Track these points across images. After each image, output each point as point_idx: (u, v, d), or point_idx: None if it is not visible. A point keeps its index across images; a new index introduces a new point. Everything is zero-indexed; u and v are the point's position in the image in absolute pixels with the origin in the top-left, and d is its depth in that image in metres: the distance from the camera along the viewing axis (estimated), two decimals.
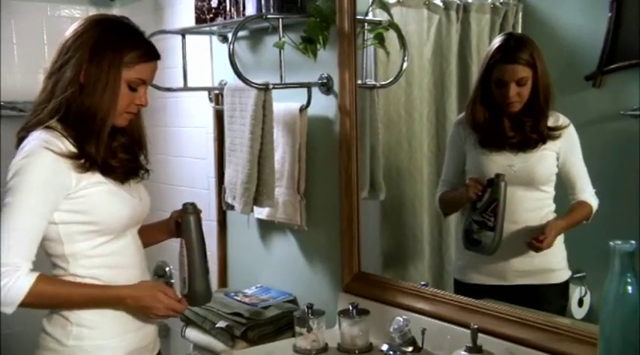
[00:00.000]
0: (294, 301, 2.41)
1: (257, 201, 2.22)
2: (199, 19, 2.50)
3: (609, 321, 1.24)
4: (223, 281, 2.78)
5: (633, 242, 1.21)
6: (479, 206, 1.86)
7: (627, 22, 1.63)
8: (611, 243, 1.21)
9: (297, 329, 1.93)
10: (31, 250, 1.54)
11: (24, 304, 1.52)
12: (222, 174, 2.47)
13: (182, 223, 1.76)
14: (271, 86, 2.16)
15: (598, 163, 1.71)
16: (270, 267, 2.54)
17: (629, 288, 1.21)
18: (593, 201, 1.72)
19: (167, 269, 3.00)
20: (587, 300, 1.76)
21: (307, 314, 1.92)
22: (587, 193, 1.73)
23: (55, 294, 1.57)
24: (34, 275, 1.52)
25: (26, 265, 1.52)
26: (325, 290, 2.27)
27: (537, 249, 1.79)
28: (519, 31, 1.89)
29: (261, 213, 2.40)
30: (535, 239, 1.78)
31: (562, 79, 1.78)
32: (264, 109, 2.16)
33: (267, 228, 2.52)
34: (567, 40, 1.79)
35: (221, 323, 2.30)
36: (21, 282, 1.50)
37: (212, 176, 2.77)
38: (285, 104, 2.26)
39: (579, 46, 1.76)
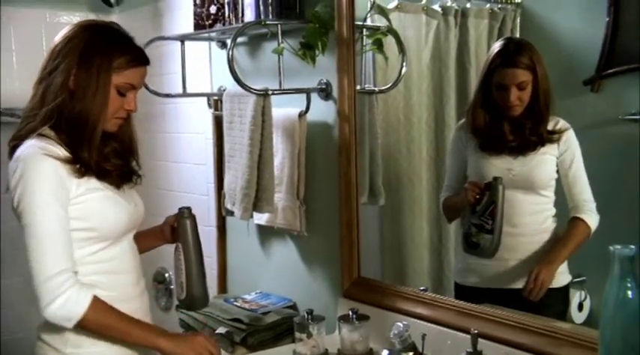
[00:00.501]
0: (293, 307, 2.40)
1: (256, 206, 2.22)
2: (198, 26, 2.51)
3: (609, 326, 1.24)
4: (223, 287, 2.77)
5: (633, 246, 1.21)
6: (477, 209, 1.86)
7: (625, 26, 1.63)
8: (611, 248, 1.21)
9: (297, 334, 1.92)
10: (72, 254, 1.55)
11: (83, 321, 1.52)
12: (222, 179, 2.47)
13: (178, 228, 1.76)
14: (270, 92, 2.16)
15: (597, 168, 1.71)
16: (269, 273, 2.54)
17: (629, 293, 1.20)
18: (591, 220, 1.71)
19: (166, 275, 3.04)
20: (587, 305, 1.76)
21: (307, 320, 1.92)
22: (584, 208, 1.73)
23: (111, 315, 1.57)
24: (90, 290, 1.55)
25: (77, 270, 1.55)
26: (325, 295, 2.27)
27: (534, 295, 1.78)
28: (518, 36, 1.90)
29: (261, 218, 2.40)
30: (530, 286, 1.77)
31: (560, 84, 1.78)
32: (263, 115, 2.16)
33: (266, 233, 2.52)
34: (565, 44, 1.79)
35: (221, 329, 2.30)
36: (84, 294, 1.52)
37: (211, 182, 2.76)
38: (284, 110, 2.26)
39: (577, 51, 1.76)
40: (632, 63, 1.62)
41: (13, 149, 1.59)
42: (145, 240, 1.82)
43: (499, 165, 1.85)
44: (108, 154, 1.67)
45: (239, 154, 2.26)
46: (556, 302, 1.81)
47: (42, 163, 1.53)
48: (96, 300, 1.54)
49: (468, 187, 1.89)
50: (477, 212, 1.86)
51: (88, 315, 1.52)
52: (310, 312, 1.93)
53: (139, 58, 1.64)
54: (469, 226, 1.89)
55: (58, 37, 1.63)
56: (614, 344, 1.23)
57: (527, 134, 1.80)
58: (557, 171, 1.79)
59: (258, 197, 2.20)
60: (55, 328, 1.60)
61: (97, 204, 1.61)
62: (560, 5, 1.80)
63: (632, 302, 1.20)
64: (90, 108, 1.58)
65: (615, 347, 1.23)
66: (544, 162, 1.80)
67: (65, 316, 1.51)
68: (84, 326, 1.55)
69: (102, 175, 1.62)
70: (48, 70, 1.60)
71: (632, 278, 1.21)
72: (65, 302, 1.50)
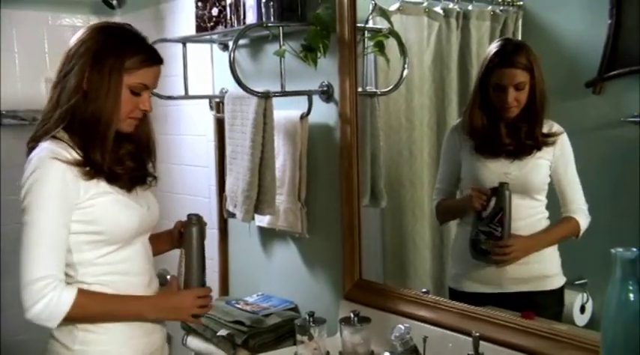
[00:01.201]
0: (295, 309, 2.40)
1: (258, 209, 2.22)
2: (200, 28, 2.51)
3: (611, 328, 1.24)
4: (224, 289, 2.78)
5: (635, 249, 1.21)
6: (484, 216, 1.84)
7: (627, 28, 1.63)
8: (613, 251, 1.21)
9: (299, 337, 1.92)
10: (62, 261, 1.56)
11: (67, 317, 1.54)
12: (223, 182, 2.48)
13: (184, 234, 1.76)
14: (272, 94, 2.16)
15: (599, 170, 1.71)
16: (271, 275, 2.54)
17: (631, 295, 1.20)
18: (582, 219, 1.72)
19: (168, 277, 3.02)
20: (589, 307, 1.76)
21: (308, 322, 1.91)
22: (577, 209, 1.74)
23: (95, 305, 1.59)
24: (75, 288, 1.56)
25: (62, 276, 1.55)
26: (326, 297, 2.27)
27: (498, 262, 1.79)
28: (519, 38, 1.89)
29: (262, 220, 2.40)
30: (498, 249, 1.78)
31: (562, 86, 1.78)
32: (264, 117, 2.16)
33: (268, 235, 2.52)
34: (567, 46, 1.79)
35: (222, 332, 2.30)
36: (65, 296, 1.53)
37: (213, 184, 2.77)
38: (285, 112, 2.26)
39: (579, 53, 1.76)
40: (634, 65, 1.62)
41: (30, 150, 1.62)
42: (154, 244, 1.82)
43: (495, 169, 1.84)
44: (122, 156, 1.68)
45: (241, 156, 2.26)
46: (552, 305, 1.81)
47: (49, 167, 1.54)
48: (79, 296, 1.55)
49: (473, 194, 1.86)
50: (485, 219, 1.84)
51: (70, 314, 1.54)
52: (312, 314, 1.93)
53: (151, 58, 1.65)
54: (477, 233, 1.87)
55: (73, 40, 1.65)
56: (615, 347, 1.23)
57: (524, 137, 1.80)
58: (550, 175, 1.78)
59: (260, 199, 2.20)
60: (66, 326, 1.61)
61: (106, 207, 1.61)
62: (561, 7, 1.80)
63: (634, 305, 1.20)
64: (102, 108, 1.59)
65: (617, 350, 1.23)
66: (539, 166, 1.79)
67: (47, 318, 1.54)
68: (70, 320, 1.57)
69: (112, 179, 1.63)
70: (63, 73, 1.62)
71: (634, 280, 1.21)
72: (47, 305, 1.52)
